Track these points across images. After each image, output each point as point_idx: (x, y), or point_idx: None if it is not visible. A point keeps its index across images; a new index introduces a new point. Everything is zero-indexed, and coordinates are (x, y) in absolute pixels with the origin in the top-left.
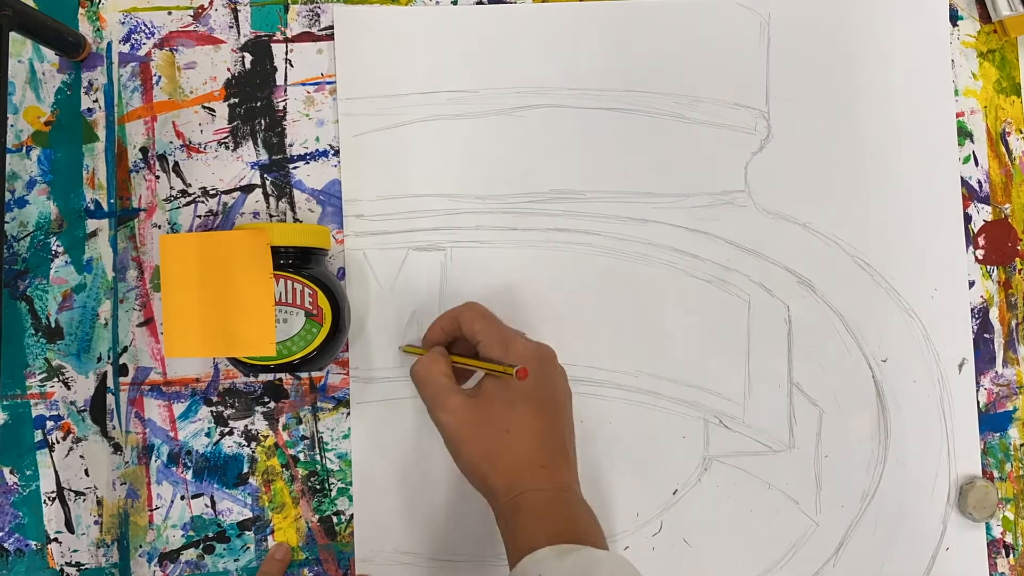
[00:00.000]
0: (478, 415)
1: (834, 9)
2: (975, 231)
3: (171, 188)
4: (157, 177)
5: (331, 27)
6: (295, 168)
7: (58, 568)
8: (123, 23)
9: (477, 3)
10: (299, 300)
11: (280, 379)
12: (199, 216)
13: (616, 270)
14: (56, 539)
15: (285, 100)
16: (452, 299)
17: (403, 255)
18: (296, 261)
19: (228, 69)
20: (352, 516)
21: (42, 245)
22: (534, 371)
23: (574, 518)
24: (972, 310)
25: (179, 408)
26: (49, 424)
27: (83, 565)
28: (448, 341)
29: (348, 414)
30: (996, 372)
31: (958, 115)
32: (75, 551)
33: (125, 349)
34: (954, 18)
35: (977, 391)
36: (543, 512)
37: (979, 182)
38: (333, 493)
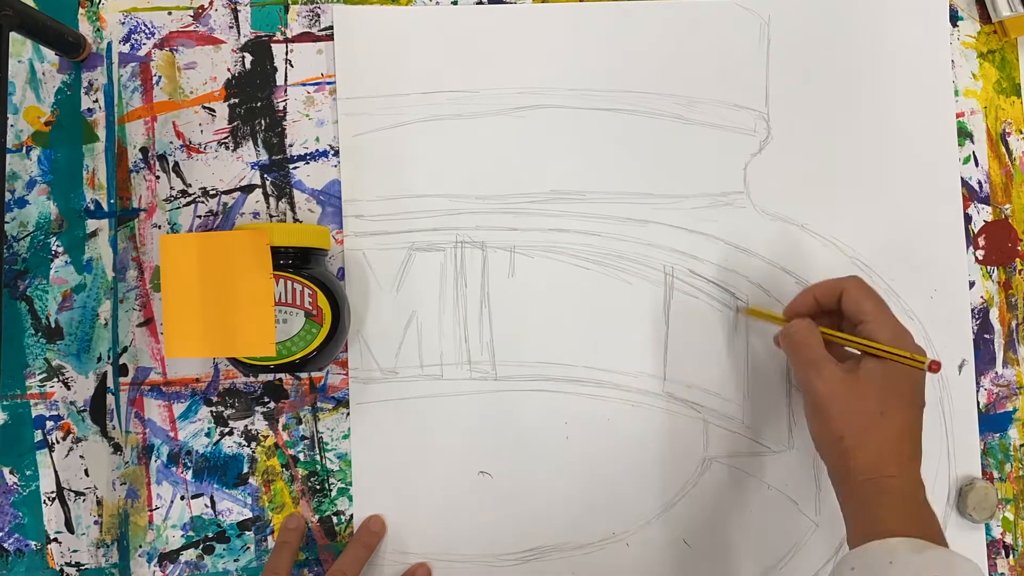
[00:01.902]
0: (854, 390)
1: (834, 10)
2: (975, 231)
3: (171, 188)
4: (157, 177)
5: (331, 27)
6: (295, 168)
7: (58, 568)
8: (123, 23)
9: (477, 3)
10: (299, 300)
11: (280, 379)
12: (199, 216)
13: (616, 270)
14: (56, 539)
15: (285, 100)
16: (452, 299)
17: (403, 255)
18: (296, 261)
19: (228, 69)
20: (352, 516)
21: (42, 245)
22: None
23: (933, 517)
24: (972, 311)
25: (179, 408)
26: (49, 424)
27: (83, 565)
28: (815, 312)
29: (348, 414)
30: (996, 372)
31: (958, 115)
32: (75, 551)
33: (125, 349)
34: (954, 18)
35: (977, 392)
36: (906, 502)
37: (979, 182)
38: (333, 493)
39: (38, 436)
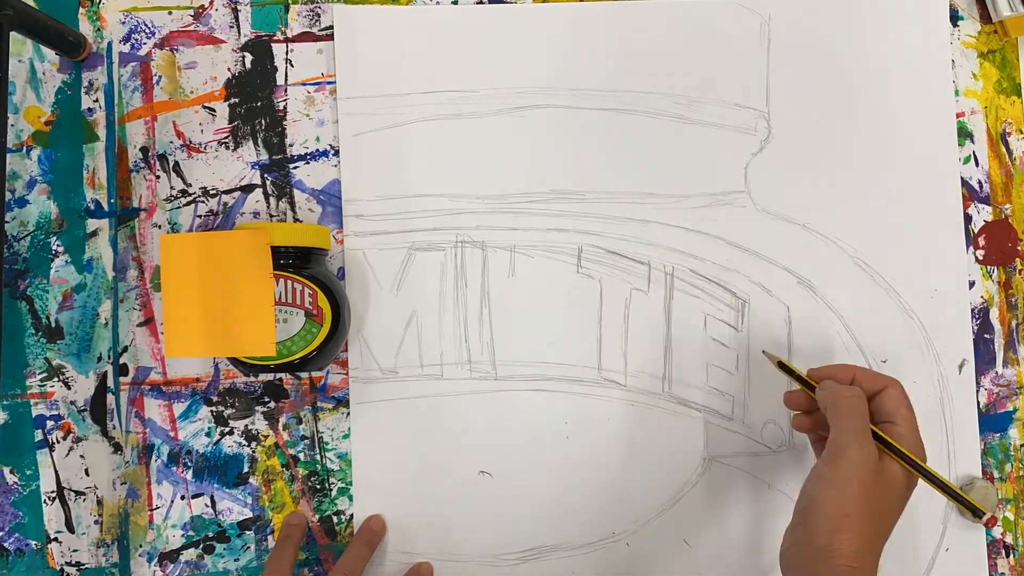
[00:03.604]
0: (881, 479)
1: (834, 9)
2: (975, 231)
3: (171, 188)
4: (157, 177)
5: (331, 27)
6: (295, 168)
7: (58, 568)
8: (123, 23)
9: (477, 3)
10: (299, 300)
11: (280, 379)
12: (199, 216)
13: (616, 270)
14: (56, 539)
15: (285, 100)
16: (452, 299)
17: (403, 255)
18: (296, 261)
19: (228, 69)
20: (352, 516)
21: (42, 245)
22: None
23: None
24: (972, 310)
25: (179, 408)
26: (49, 424)
27: (83, 565)
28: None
29: (348, 414)
30: (996, 372)
31: (958, 115)
32: (75, 551)
33: (125, 349)
34: (954, 18)
35: (977, 391)
36: None
37: (979, 182)
38: (333, 493)
39: (38, 436)
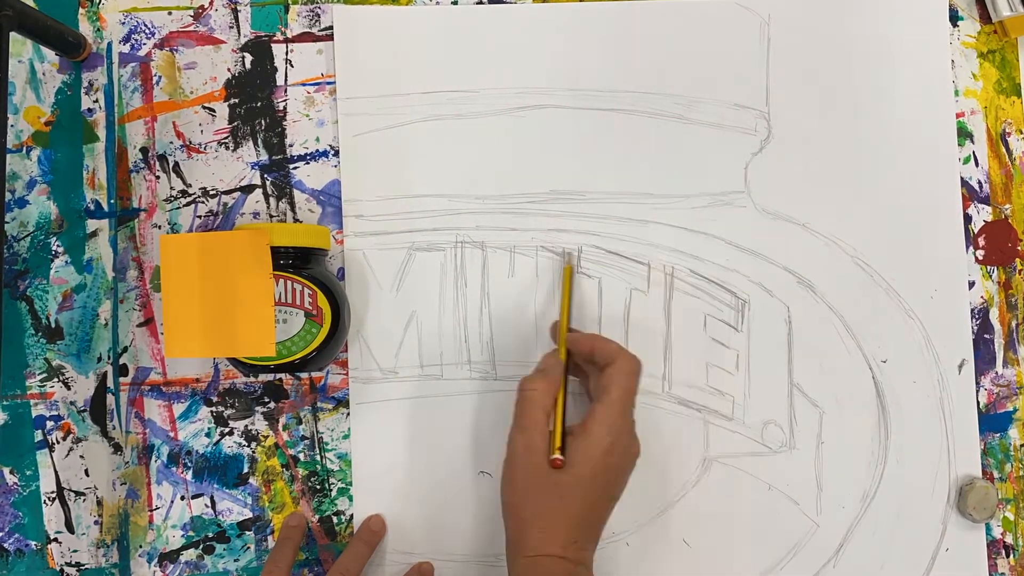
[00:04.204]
0: (550, 468)
1: (834, 9)
2: (975, 231)
3: (171, 188)
4: (157, 177)
5: (331, 27)
6: (295, 168)
7: (58, 568)
8: (123, 23)
9: (477, 3)
10: (299, 300)
11: (280, 379)
12: (199, 216)
13: (616, 270)
14: (56, 539)
15: (285, 100)
16: (452, 299)
17: (403, 255)
18: (296, 261)
19: (228, 69)
20: (352, 516)
21: (42, 245)
22: (611, 450)
23: None
24: (972, 310)
25: (179, 408)
26: (49, 424)
27: (83, 565)
28: (587, 358)
29: (348, 414)
30: (996, 372)
31: (958, 115)
32: (75, 551)
33: (125, 349)
34: (954, 18)
35: (977, 391)
36: None
37: (979, 182)
38: (333, 493)
39: (38, 436)
